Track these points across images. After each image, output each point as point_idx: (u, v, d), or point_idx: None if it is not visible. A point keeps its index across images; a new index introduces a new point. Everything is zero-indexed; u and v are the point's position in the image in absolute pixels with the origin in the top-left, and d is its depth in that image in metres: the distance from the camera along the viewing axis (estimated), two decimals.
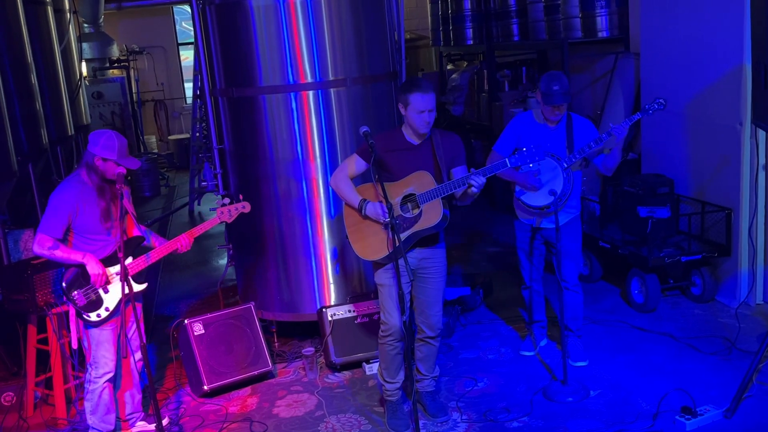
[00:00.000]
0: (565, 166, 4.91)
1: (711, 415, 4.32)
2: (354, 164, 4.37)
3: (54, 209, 4.27)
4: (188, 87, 16.01)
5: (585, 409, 4.61)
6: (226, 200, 4.68)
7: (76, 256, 4.29)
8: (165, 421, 4.79)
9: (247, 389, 5.25)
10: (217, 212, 4.66)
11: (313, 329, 5.73)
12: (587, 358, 5.19)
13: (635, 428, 4.34)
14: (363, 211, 4.29)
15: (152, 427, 4.65)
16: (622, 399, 4.68)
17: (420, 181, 4.23)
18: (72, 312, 4.42)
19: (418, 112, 4.18)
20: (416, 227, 4.25)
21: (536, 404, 4.71)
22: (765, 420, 4.29)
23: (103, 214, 4.33)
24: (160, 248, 4.50)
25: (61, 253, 4.28)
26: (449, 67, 11.92)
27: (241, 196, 4.76)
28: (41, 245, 4.27)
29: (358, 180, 4.42)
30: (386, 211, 4.13)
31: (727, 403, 4.41)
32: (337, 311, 5.43)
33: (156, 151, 15.14)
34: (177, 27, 16.57)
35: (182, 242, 4.52)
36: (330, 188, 5.42)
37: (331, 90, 5.42)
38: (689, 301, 6.08)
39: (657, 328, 5.61)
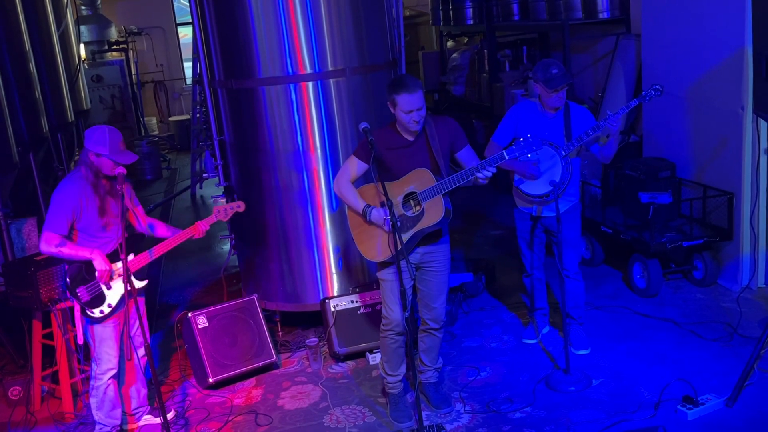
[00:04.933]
0: (564, 154, 4.90)
1: (712, 404, 4.35)
2: (354, 167, 4.37)
3: (58, 206, 4.29)
4: (188, 67, 15.91)
5: (587, 398, 4.64)
6: (222, 199, 4.72)
7: (84, 253, 4.33)
8: (171, 415, 4.84)
9: (252, 380, 5.29)
10: (214, 211, 4.71)
11: (316, 318, 5.76)
12: (589, 345, 5.21)
13: (637, 418, 4.36)
14: (367, 217, 4.30)
15: (158, 420, 4.68)
16: (624, 388, 4.71)
17: (420, 179, 4.23)
18: (77, 308, 4.45)
19: (406, 112, 4.19)
20: (419, 226, 4.25)
21: (539, 394, 4.74)
22: (766, 408, 4.32)
23: (98, 211, 4.37)
24: (175, 237, 4.53)
25: (68, 250, 4.31)
26: (449, 44, 11.83)
27: (235, 195, 4.81)
28: (49, 243, 4.29)
29: (360, 181, 4.43)
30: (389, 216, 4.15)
31: (728, 391, 4.43)
32: (339, 302, 5.45)
33: (156, 132, 15.11)
34: (175, 5, 16.42)
35: (199, 229, 4.56)
36: (331, 180, 5.42)
37: (331, 80, 5.40)
38: (691, 285, 6.09)
39: (659, 314, 5.63)
